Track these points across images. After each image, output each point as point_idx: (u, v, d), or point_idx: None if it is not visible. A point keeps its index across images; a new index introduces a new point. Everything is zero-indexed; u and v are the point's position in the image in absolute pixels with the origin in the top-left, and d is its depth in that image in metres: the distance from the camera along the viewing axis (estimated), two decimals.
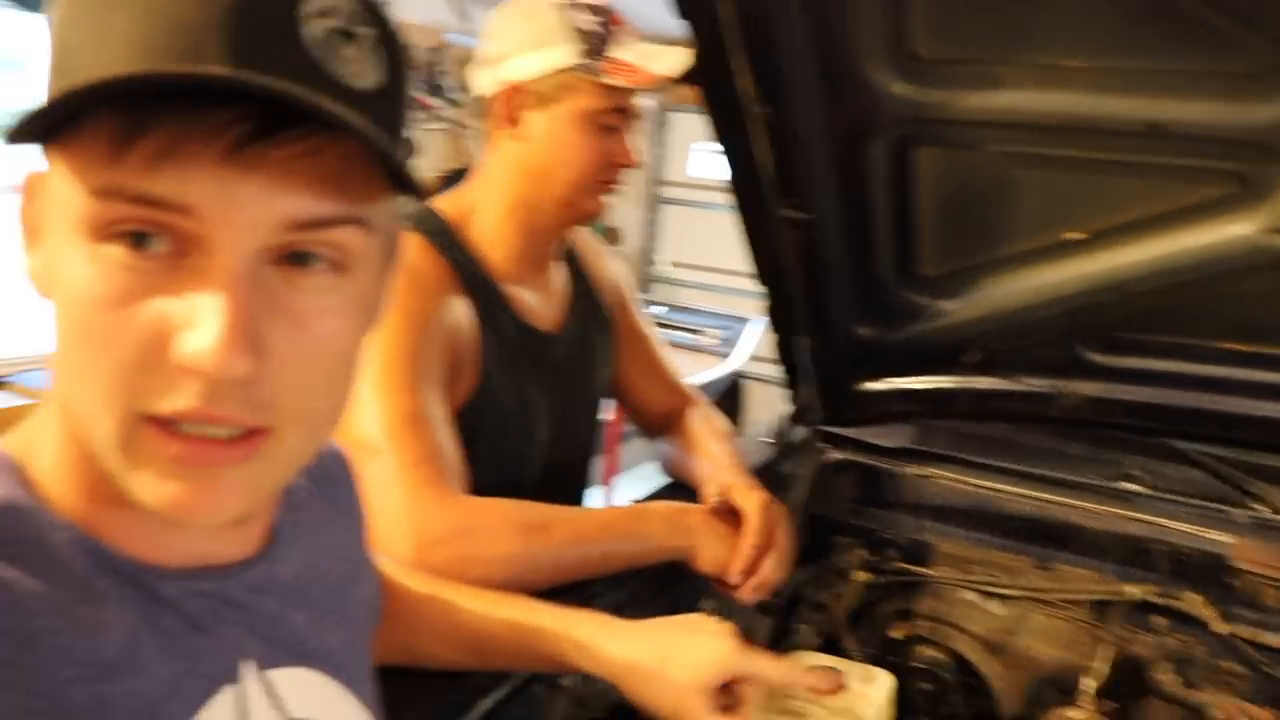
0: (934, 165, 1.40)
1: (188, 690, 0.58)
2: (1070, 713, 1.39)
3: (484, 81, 1.35)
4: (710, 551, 1.28)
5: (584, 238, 1.60)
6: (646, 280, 7.22)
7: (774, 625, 1.55)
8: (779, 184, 1.37)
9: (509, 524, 1.16)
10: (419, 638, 0.97)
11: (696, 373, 4.12)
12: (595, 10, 1.30)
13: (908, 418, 1.73)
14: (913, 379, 1.69)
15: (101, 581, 0.56)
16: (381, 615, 0.92)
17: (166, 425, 0.51)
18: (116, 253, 0.49)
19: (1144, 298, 1.44)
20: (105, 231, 0.49)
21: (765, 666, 0.93)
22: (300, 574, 0.69)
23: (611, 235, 7.09)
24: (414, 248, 1.28)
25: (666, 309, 5.36)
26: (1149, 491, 1.58)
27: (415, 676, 1.01)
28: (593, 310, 1.56)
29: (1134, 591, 1.40)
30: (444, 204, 1.39)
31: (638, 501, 1.42)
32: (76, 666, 0.52)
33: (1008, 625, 1.54)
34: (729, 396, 4.92)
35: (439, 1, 5.47)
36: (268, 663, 0.63)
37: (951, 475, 1.67)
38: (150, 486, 0.52)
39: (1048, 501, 1.59)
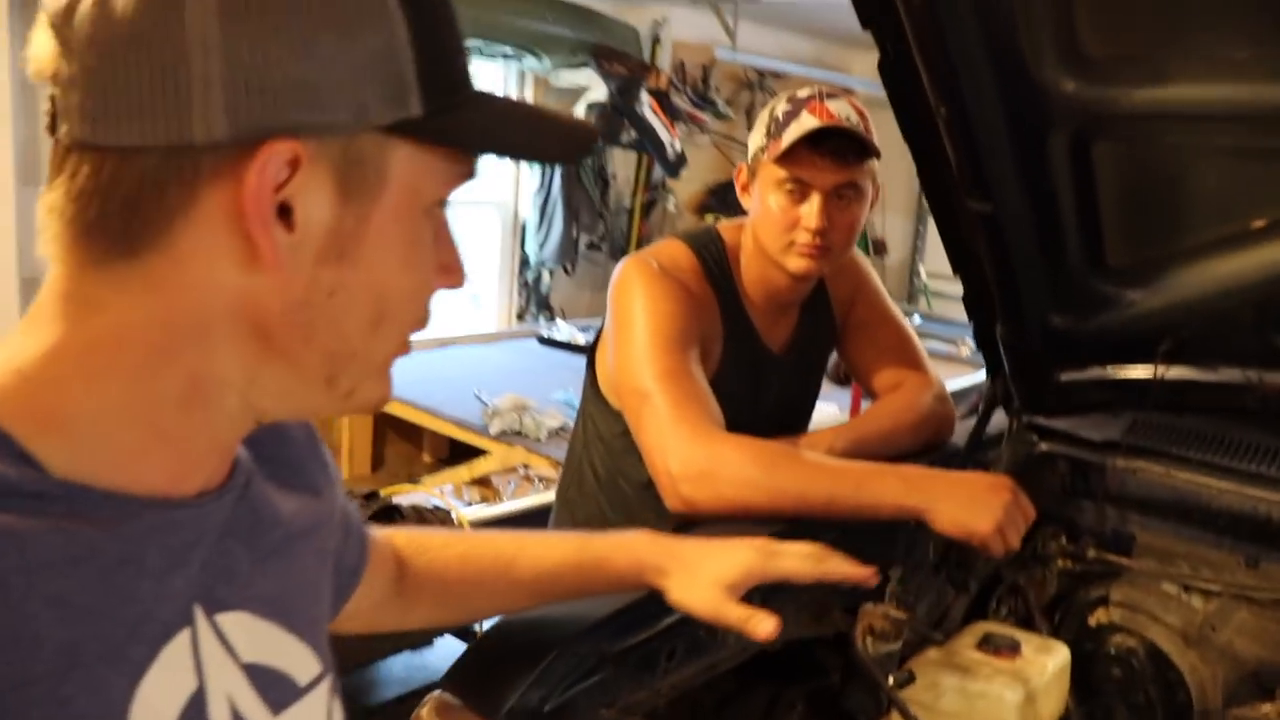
0: (1112, 158, 1.42)
1: (147, 633, 0.59)
2: (1267, 708, 1.38)
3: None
4: (950, 515, 1.37)
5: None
6: (913, 291, 7.16)
7: (970, 604, 1.61)
8: (963, 178, 1.43)
9: (752, 454, 1.40)
10: (468, 595, 1.05)
11: (951, 380, 4.13)
12: (792, 100, 1.58)
13: (1109, 407, 1.71)
14: (1110, 368, 1.69)
15: (71, 520, 0.56)
16: (384, 585, 0.98)
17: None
18: None
19: None
20: None
21: (791, 565, 1.06)
22: (252, 512, 0.70)
23: (878, 246, 7.09)
24: (691, 268, 1.63)
25: (920, 319, 5.36)
26: None
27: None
28: (821, 328, 1.82)
29: None
30: (726, 230, 1.73)
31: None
32: (52, 608, 0.54)
33: (1209, 620, 1.52)
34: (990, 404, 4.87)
35: (710, 20, 5.71)
36: (215, 607, 0.65)
37: (1159, 469, 1.63)
38: (382, 386, 0.68)
39: (1258, 499, 1.54)
